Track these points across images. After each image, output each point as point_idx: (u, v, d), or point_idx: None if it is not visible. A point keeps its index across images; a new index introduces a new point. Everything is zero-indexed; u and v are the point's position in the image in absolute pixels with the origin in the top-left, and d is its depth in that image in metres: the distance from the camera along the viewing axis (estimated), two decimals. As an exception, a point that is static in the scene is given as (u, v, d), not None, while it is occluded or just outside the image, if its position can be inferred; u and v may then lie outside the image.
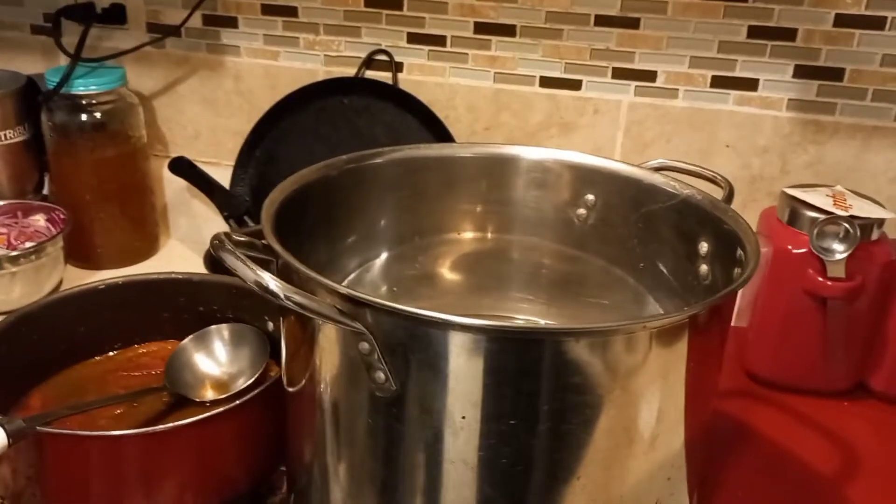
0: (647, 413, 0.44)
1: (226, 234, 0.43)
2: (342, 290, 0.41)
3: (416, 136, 0.90)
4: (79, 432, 0.54)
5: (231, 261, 0.41)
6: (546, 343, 0.40)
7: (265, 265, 0.43)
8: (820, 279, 0.71)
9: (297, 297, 0.40)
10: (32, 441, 0.52)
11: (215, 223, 0.99)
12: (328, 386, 0.47)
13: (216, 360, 0.68)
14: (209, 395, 0.66)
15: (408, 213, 0.62)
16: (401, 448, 0.44)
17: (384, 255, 0.63)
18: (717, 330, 0.46)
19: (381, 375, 0.42)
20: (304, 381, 0.49)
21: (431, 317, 0.39)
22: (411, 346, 0.41)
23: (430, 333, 0.40)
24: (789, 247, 0.72)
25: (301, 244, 0.45)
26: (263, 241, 0.46)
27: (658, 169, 0.60)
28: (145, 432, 0.54)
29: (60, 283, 0.89)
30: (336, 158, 0.58)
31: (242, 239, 0.46)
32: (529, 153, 0.62)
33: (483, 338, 0.40)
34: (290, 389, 0.52)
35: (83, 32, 0.91)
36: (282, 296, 0.40)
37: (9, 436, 0.50)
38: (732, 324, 0.81)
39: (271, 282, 0.40)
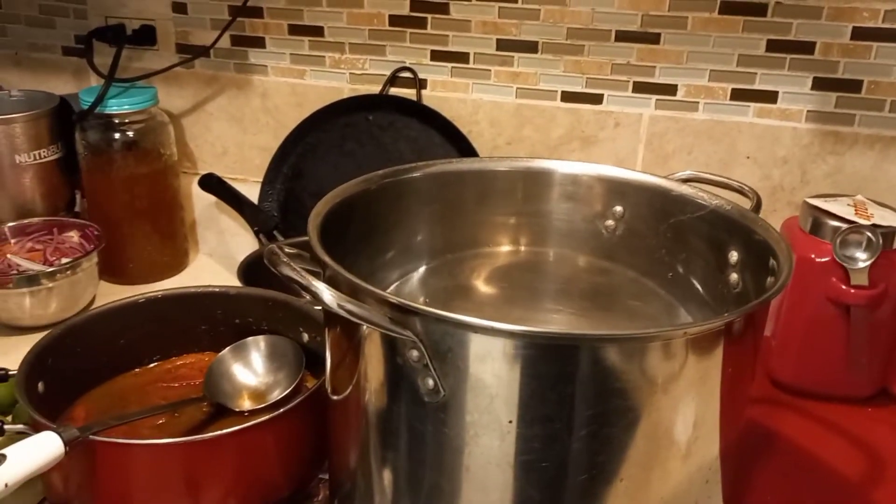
0: (685, 417, 0.45)
1: (278, 246, 0.45)
2: (392, 299, 0.43)
3: (439, 151, 0.92)
4: (130, 441, 0.56)
5: (287, 272, 0.42)
6: (591, 349, 0.41)
7: (313, 276, 0.45)
8: (843, 287, 0.72)
9: (350, 306, 0.42)
10: (85, 449, 0.54)
11: (243, 238, 1.01)
12: (374, 393, 0.48)
13: (253, 370, 0.70)
14: (247, 404, 0.68)
15: (443, 227, 0.64)
16: (447, 452, 0.45)
17: (422, 269, 0.64)
18: (752, 336, 0.48)
19: (430, 382, 0.43)
20: (349, 390, 0.50)
21: (481, 324, 0.41)
22: (460, 353, 0.42)
23: (479, 340, 0.42)
24: (812, 256, 0.74)
25: (343, 258, 0.47)
26: (310, 251, 0.48)
27: (686, 180, 0.61)
28: (192, 440, 0.56)
29: (94, 297, 0.91)
30: (373, 173, 0.59)
31: (293, 251, 0.48)
32: (561, 166, 0.63)
33: (528, 343, 0.41)
34: (335, 398, 0.53)
35: (116, 54, 0.93)
36: (335, 305, 0.42)
37: (65, 443, 0.51)
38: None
39: (326, 292, 0.42)
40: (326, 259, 0.46)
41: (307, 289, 0.42)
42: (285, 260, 0.43)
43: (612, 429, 0.43)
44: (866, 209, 0.74)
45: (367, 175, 0.59)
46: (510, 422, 0.43)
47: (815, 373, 0.78)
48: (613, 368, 0.42)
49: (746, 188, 0.60)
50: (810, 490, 0.68)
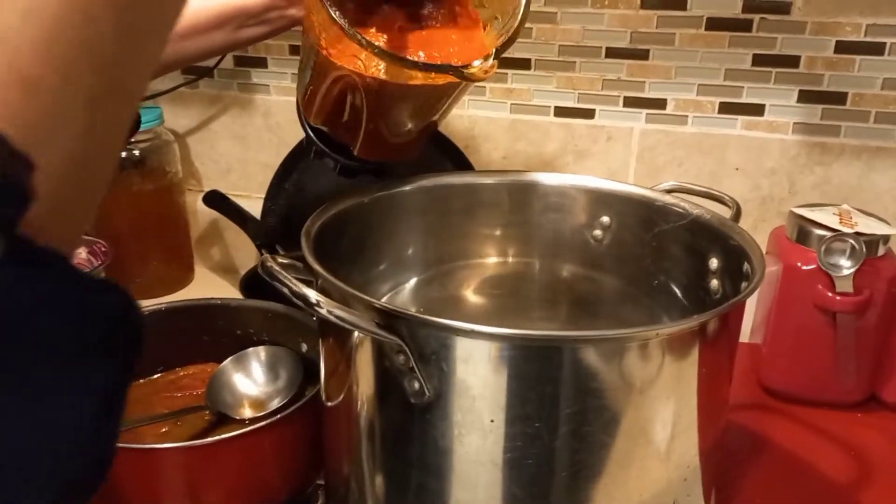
0: (662, 416, 0.47)
1: (272, 256, 0.47)
2: (379, 304, 0.45)
3: (436, 166, 0.94)
4: (132, 445, 0.58)
5: (279, 279, 0.45)
6: (566, 350, 0.43)
7: (306, 285, 0.47)
8: (829, 294, 0.74)
9: (339, 312, 0.44)
10: (89, 454, 0.56)
11: (246, 253, 1.04)
12: (365, 398, 0.50)
13: (254, 380, 0.72)
14: (248, 413, 0.70)
15: (434, 239, 0.66)
16: (434, 452, 0.47)
17: (413, 281, 0.66)
18: (727, 338, 0.49)
19: (416, 384, 0.45)
20: (342, 396, 0.52)
21: (462, 327, 0.43)
22: (443, 356, 0.44)
23: (460, 343, 0.44)
24: (799, 264, 0.75)
25: (336, 270, 0.49)
26: (304, 262, 0.51)
27: (669, 191, 0.63)
28: (193, 445, 0.58)
29: (102, 312, 0.94)
30: (367, 186, 0.62)
31: (286, 261, 0.50)
32: (547, 178, 0.66)
33: (508, 345, 0.43)
34: (329, 404, 0.55)
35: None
36: (325, 310, 0.44)
37: (70, 448, 0.54)
38: (748, 341, 0.85)
39: (314, 297, 0.44)
40: (317, 267, 0.48)
41: (297, 294, 0.44)
42: (277, 268, 0.45)
43: (591, 427, 0.45)
44: (851, 218, 0.76)
45: (361, 187, 0.61)
46: (492, 421, 0.45)
47: (805, 379, 0.79)
48: (591, 369, 0.44)
49: (727, 197, 0.62)
50: (799, 493, 0.69)
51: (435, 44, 0.57)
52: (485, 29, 0.58)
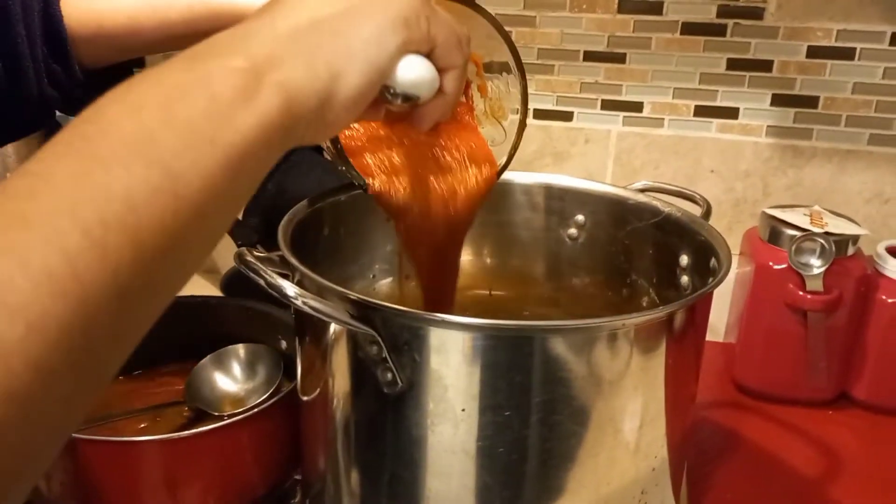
0: (630, 406, 0.48)
1: (248, 248, 0.48)
2: (353, 295, 0.46)
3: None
4: (110, 438, 0.58)
5: (256, 271, 0.45)
6: (536, 339, 0.44)
7: (283, 278, 0.48)
8: (800, 293, 0.75)
9: (313, 302, 0.45)
10: (67, 448, 0.56)
11: (227, 252, 1.03)
12: (340, 391, 0.51)
13: (233, 377, 0.73)
14: (227, 409, 0.70)
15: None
16: (407, 442, 0.48)
17: (389, 279, 0.67)
18: (693, 330, 0.51)
19: (388, 375, 0.46)
20: (318, 390, 0.53)
21: (434, 317, 0.44)
22: (416, 346, 0.45)
23: (433, 333, 0.45)
24: (770, 263, 0.77)
25: (313, 268, 0.49)
26: (281, 257, 0.51)
27: (642, 190, 0.65)
28: (171, 438, 0.58)
29: (82, 311, 0.94)
30: (345, 185, 0.62)
31: (262, 255, 0.51)
32: (523, 178, 0.67)
33: (479, 335, 0.44)
34: (305, 398, 0.56)
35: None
36: (299, 301, 0.44)
37: (48, 440, 0.54)
38: (722, 340, 0.86)
39: (290, 288, 0.45)
40: (292, 260, 0.49)
41: (273, 286, 0.45)
42: (254, 261, 0.46)
43: (560, 416, 0.46)
44: (821, 218, 0.78)
45: (338, 185, 0.62)
46: (464, 410, 0.46)
47: (777, 377, 0.81)
48: (560, 358, 0.45)
49: (697, 196, 0.63)
50: (771, 488, 0.70)
51: (447, 155, 0.58)
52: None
